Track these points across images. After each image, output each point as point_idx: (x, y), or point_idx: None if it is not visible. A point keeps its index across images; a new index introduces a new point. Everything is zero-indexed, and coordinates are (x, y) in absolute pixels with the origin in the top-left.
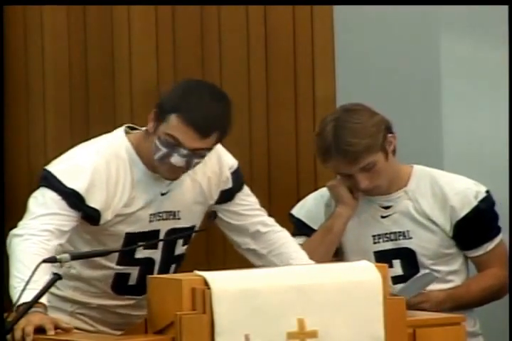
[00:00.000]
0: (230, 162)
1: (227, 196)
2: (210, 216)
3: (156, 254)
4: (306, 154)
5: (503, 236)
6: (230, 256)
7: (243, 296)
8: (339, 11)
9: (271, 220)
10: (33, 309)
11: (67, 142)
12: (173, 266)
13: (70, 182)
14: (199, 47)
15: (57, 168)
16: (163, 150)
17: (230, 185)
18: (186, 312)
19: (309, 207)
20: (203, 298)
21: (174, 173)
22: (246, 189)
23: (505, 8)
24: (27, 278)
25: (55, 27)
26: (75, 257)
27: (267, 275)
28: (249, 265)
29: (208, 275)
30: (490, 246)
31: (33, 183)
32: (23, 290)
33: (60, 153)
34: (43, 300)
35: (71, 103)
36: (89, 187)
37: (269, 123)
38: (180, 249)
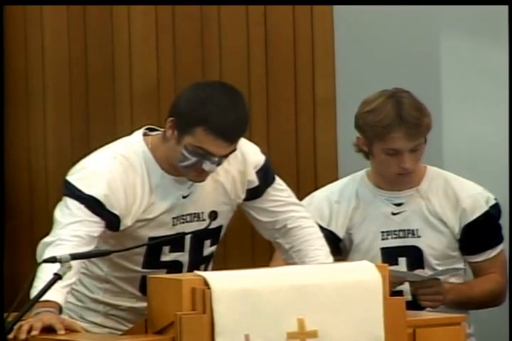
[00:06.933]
0: (256, 160)
1: (255, 193)
2: (210, 216)
3: (184, 257)
4: (306, 154)
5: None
6: (230, 256)
7: (243, 296)
8: (339, 11)
9: (301, 214)
10: (45, 309)
11: (67, 142)
12: (202, 267)
13: (88, 189)
14: (199, 47)
15: (75, 176)
16: (193, 159)
17: (256, 183)
18: (186, 312)
19: (317, 204)
20: (203, 297)
21: (202, 177)
22: (277, 184)
23: (505, 8)
24: (48, 279)
25: (55, 27)
26: (75, 257)
27: (267, 275)
28: (249, 265)
29: (208, 275)
30: (492, 253)
31: (33, 183)
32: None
33: (60, 153)
34: (60, 300)
35: (71, 103)
36: (107, 192)
37: (269, 123)
38: (208, 249)
